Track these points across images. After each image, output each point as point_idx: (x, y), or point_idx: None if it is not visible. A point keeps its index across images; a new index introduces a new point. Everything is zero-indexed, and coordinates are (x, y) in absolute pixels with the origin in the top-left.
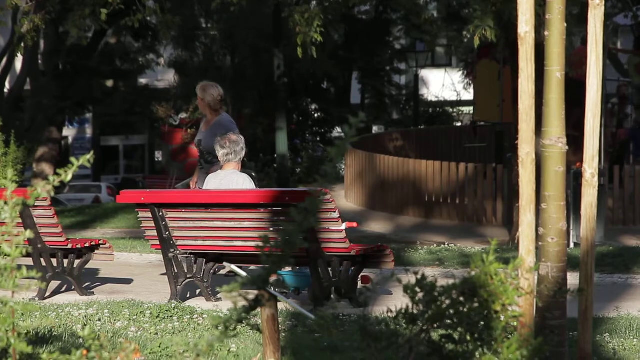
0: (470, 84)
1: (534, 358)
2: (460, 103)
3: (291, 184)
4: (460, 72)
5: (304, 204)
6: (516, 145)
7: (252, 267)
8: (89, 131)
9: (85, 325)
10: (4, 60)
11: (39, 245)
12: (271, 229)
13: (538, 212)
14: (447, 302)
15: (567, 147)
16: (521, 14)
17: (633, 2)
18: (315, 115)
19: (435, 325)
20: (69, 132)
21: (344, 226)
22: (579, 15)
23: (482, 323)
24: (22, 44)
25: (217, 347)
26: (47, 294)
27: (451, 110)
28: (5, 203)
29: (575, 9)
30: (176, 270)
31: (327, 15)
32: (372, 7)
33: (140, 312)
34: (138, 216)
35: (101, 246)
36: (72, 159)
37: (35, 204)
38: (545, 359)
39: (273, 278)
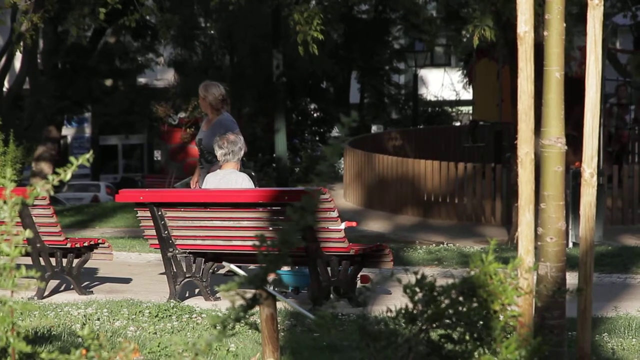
0: (469, 84)
1: (532, 358)
2: (459, 103)
3: (290, 184)
4: (460, 72)
5: (300, 203)
6: (515, 145)
7: (252, 266)
8: (88, 130)
9: (84, 324)
10: (3, 59)
11: (38, 245)
12: (270, 228)
13: (537, 211)
14: (446, 301)
15: (566, 147)
16: (520, 14)
17: (632, 2)
18: (314, 114)
19: (435, 325)
20: (68, 131)
21: (342, 225)
22: (578, 15)
23: (481, 323)
24: (21, 43)
25: (216, 346)
26: (46, 293)
27: (450, 109)
28: (4, 202)
29: (574, 8)
30: (175, 270)
31: (326, 14)
32: (372, 7)
33: (139, 312)
34: (137, 215)
35: (100, 245)
36: (71, 158)
37: (34, 203)
38: (544, 359)
39: (271, 277)
